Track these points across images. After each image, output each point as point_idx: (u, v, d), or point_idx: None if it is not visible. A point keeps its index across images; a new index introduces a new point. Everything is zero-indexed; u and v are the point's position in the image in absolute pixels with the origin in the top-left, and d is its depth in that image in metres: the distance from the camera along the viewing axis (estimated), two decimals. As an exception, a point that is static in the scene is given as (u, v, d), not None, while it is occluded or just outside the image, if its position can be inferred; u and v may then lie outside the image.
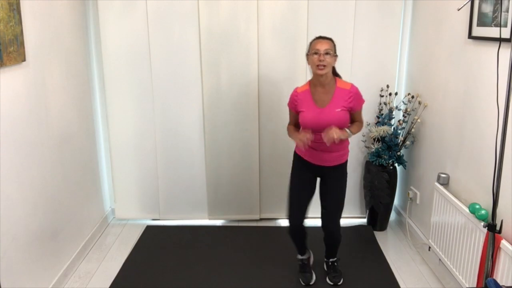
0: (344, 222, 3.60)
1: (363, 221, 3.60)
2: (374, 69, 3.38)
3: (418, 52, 3.21)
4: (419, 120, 3.17)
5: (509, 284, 2.02)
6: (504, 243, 2.08)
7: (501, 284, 1.88)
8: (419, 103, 3.18)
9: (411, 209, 3.37)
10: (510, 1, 2.06)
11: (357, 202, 3.65)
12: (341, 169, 2.57)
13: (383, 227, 3.47)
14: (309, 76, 3.35)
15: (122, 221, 3.62)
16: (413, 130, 3.26)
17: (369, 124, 3.46)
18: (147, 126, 3.43)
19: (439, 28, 2.88)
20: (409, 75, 3.39)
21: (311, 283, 2.73)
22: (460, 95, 2.62)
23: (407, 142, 3.31)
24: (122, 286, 2.72)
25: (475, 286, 2.32)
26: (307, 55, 2.42)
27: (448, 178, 2.74)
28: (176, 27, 3.24)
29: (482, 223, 2.24)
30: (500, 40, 2.06)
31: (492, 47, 2.26)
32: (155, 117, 3.41)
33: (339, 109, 2.39)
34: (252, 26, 3.24)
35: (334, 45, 2.41)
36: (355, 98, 2.43)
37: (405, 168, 3.44)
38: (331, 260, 2.79)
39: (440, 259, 2.78)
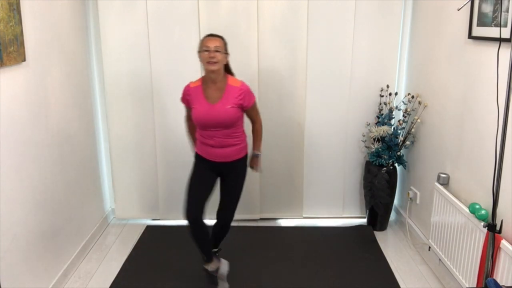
0: (344, 222, 3.63)
1: (363, 221, 3.60)
2: (374, 69, 3.38)
3: (418, 52, 3.21)
4: (419, 120, 3.17)
5: (509, 284, 2.02)
6: (504, 243, 2.08)
7: (501, 284, 1.88)
8: (419, 103, 3.18)
9: (411, 209, 3.37)
10: (510, 1, 2.06)
11: (357, 202, 3.65)
12: (240, 164, 2.59)
13: (383, 227, 3.47)
14: (310, 77, 3.38)
15: (122, 221, 3.62)
16: (413, 130, 3.26)
17: (369, 124, 3.47)
18: (147, 126, 3.43)
19: (439, 28, 2.88)
20: (409, 75, 3.39)
21: None
22: (460, 95, 2.62)
23: (407, 142, 3.31)
24: (122, 286, 2.72)
25: (475, 286, 2.32)
26: (198, 52, 2.44)
27: (448, 178, 2.74)
28: (176, 27, 3.24)
29: (482, 223, 2.24)
30: (500, 40, 2.07)
31: (492, 47, 2.26)
32: (155, 117, 3.41)
33: (229, 106, 2.43)
34: (252, 26, 3.24)
35: (225, 43, 2.45)
36: (245, 96, 2.47)
37: (405, 168, 3.44)
38: (213, 250, 2.72)
39: (440, 259, 2.78)
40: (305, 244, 3.20)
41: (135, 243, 3.24)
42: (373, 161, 3.34)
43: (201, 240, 2.55)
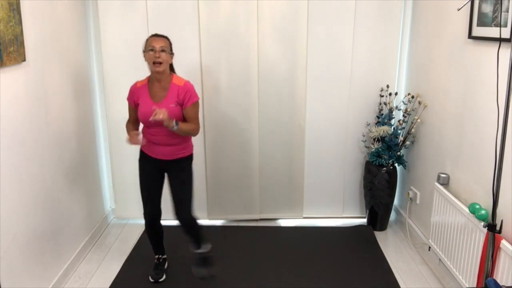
0: (344, 222, 3.63)
1: (363, 221, 3.60)
2: (374, 69, 3.38)
3: (418, 52, 3.21)
4: (419, 120, 3.17)
5: (509, 284, 2.02)
6: (504, 243, 2.08)
7: (501, 284, 1.88)
8: (419, 103, 3.18)
9: (411, 209, 3.37)
10: (510, 1, 2.06)
11: (357, 202, 3.65)
12: (182, 163, 2.61)
13: (383, 227, 3.47)
14: (310, 77, 3.38)
15: (122, 221, 3.62)
16: (413, 130, 3.26)
17: (369, 124, 3.47)
18: (147, 126, 3.43)
19: (439, 28, 2.88)
20: (409, 75, 3.39)
21: (160, 280, 2.77)
22: (460, 95, 2.62)
23: (407, 142, 3.31)
24: (122, 286, 2.72)
25: (475, 286, 2.32)
26: (144, 51, 2.46)
27: (448, 178, 2.74)
28: (176, 27, 3.24)
29: (482, 223, 2.24)
30: (500, 40, 2.07)
31: (492, 47, 2.26)
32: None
33: (173, 104, 2.46)
34: (252, 26, 3.24)
35: (170, 44, 2.49)
36: (186, 93, 2.48)
37: (405, 168, 3.44)
38: (199, 251, 2.74)
39: (440, 259, 2.78)
40: (305, 244, 3.20)
41: (135, 243, 3.24)
42: (373, 161, 3.34)
43: (155, 237, 2.77)
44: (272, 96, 3.39)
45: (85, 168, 3.14)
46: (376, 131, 3.29)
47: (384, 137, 3.30)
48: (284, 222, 3.62)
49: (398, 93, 3.44)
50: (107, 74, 3.32)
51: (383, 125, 3.30)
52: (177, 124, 2.41)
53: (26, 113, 2.35)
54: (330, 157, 3.53)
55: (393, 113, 3.34)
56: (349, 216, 3.67)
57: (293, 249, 3.14)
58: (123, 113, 3.42)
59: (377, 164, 3.32)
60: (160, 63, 2.40)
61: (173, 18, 3.23)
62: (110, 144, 3.45)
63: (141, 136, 2.45)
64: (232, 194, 3.56)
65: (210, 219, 3.63)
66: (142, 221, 3.59)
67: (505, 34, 2.07)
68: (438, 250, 2.78)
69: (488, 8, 2.27)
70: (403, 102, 3.37)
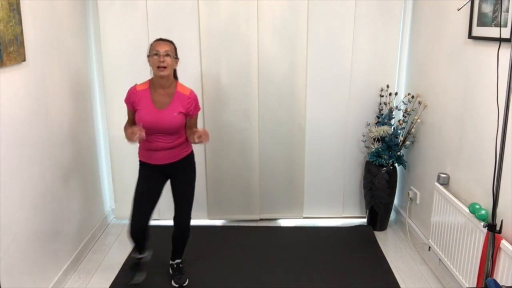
0: (344, 222, 3.63)
1: (363, 221, 3.60)
2: (374, 69, 3.38)
3: (418, 52, 3.21)
4: (419, 120, 3.17)
5: (509, 284, 2.02)
6: (504, 243, 2.08)
7: (501, 284, 1.88)
8: (419, 103, 3.18)
9: (411, 209, 3.37)
10: (510, 1, 2.06)
11: (357, 202, 3.65)
12: (187, 161, 2.58)
13: (383, 227, 3.48)
14: (311, 77, 3.38)
15: (122, 221, 3.62)
16: (413, 130, 3.26)
17: (369, 124, 3.47)
18: (147, 126, 3.43)
19: (439, 28, 2.88)
20: (409, 75, 3.39)
21: (137, 283, 2.67)
22: (460, 95, 2.62)
23: (407, 142, 3.31)
24: (122, 286, 2.72)
25: (475, 286, 2.32)
26: (148, 56, 2.42)
27: (448, 178, 2.74)
28: (176, 27, 3.24)
29: (482, 223, 2.24)
30: (500, 40, 2.07)
31: (492, 47, 2.26)
32: (155, 117, 3.40)
33: (176, 113, 2.42)
34: (252, 26, 3.24)
35: (175, 48, 2.44)
36: (193, 104, 2.47)
37: (405, 168, 3.44)
38: (177, 261, 2.77)
39: (440, 259, 2.78)
40: (305, 244, 3.20)
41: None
42: (373, 161, 3.34)
43: (140, 241, 2.61)
44: (272, 96, 3.39)
45: (85, 168, 3.14)
46: (376, 131, 3.30)
47: (384, 137, 3.30)
48: (284, 222, 3.62)
49: (398, 93, 3.44)
50: (107, 74, 3.32)
51: (383, 125, 3.30)
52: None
53: (26, 113, 2.34)
54: (330, 157, 3.54)
55: (393, 113, 3.34)
56: (349, 216, 3.67)
57: (293, 249, 3.14)
58: (123, 113, 3.41)
59: (377, 164, 3.32)
60: (165, 67, 2.35)
61: (173, 18, 3.23)
62: (110, 144, 3.45)
63: (143, 132, 2.35)
64: (232, 194, 3.56)
65: (210, 219, 3.63)
66: (142, 221, 3.62)
67: (505, 34, 2.07)
68: (438, 250, 2.78)
69: (488, 8, 2.27)
70: (403, 102, 3.37)
